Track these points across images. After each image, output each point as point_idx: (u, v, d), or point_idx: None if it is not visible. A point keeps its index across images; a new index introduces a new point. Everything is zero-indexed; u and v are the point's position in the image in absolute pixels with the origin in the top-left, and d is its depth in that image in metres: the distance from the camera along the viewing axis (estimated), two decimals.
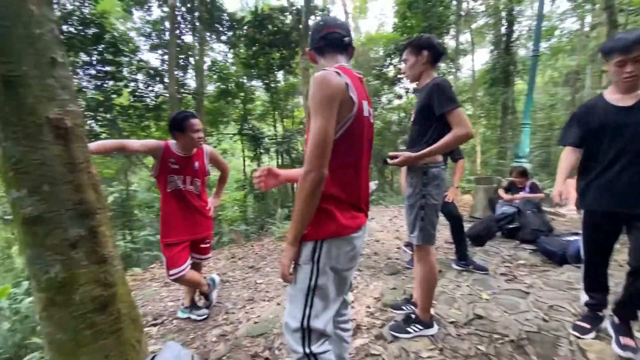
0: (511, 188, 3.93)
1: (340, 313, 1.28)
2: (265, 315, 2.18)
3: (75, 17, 6.34)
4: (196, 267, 2.24)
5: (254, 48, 8.42)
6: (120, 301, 1.32)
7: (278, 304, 2.34)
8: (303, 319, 1.01)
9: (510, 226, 3.60)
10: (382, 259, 3.23)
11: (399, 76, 10.03)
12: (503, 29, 10.71)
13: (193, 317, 2.22)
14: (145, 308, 2.51)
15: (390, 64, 10.14)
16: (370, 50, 11.48)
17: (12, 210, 1.20)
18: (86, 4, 6.50)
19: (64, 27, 6.20)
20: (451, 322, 1.90)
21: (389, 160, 1.59)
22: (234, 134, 10.08)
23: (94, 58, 6.90)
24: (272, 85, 9.48)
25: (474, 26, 12.42)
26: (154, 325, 2.22)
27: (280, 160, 9.78)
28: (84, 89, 7.01)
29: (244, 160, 10.44)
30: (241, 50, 9.01)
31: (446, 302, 2.15)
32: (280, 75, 10.07)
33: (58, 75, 1.22)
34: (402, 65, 1.84)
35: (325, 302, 1.04)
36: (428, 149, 1.54)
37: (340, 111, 0.96)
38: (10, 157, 1.14)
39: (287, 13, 8.32)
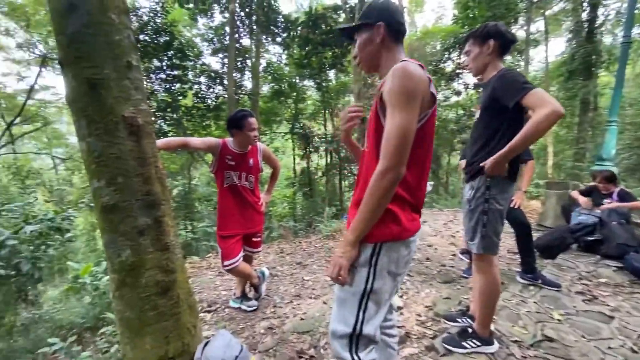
0: (592, 194, 3.42)
1: (386, 318, 1.21)
2: (312, 313, 2.19)
3: (149, 27, 7.05)
4: (248, 259, 2.33)
5: (307, 48, 8.55)
6: (179, 287, 1.42)
7: (324, 303, 2.33)
8: (356, 323, 0.96)
9: (590, 238, 3.13)
10: (434, 265, 3.05)
11: (457, 71, 9.41)
12: (584, 15, 9.41)
13: (243, 307, 2.31)
14: (201, 295, 2.69)
15: (448, 58, 9.57)
16: (427, 45, 10.95)
17: (93, 199, 1.35)
18: (159, 15, 7.19)
19: (140, 37, 6.93)
20: (515, 342, 1.71)
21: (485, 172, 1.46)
22: (286, 133, 10.38)
23: (164, 63, 7.61)
24: (324, 84, 9.55)
25: (548, 13, 11.13)
26: (208, 311, 2.36)
27: (329, 159, 9.84)
28: (155, 92, 7.77)
29: (294, 159, 10.69)
30: (294, 51, 9.22)
31: (509, 319, 1.94)
32: (331, 74, 10.10)
33: (133, 77, 1.33)
34: (464, 58, 1.68)
35: (378, 306, 0.98)
36: (509, 145, 1.35)
37: (420, 106, 0.89)
38: (93, 151, 1.27)
39: (341, 11, 8.30)
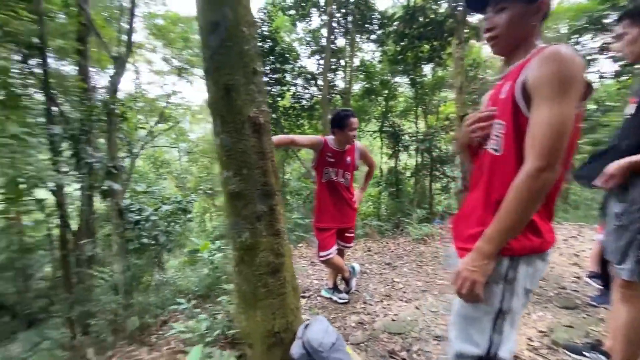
0: None
1: None
2: (403, 316, 2.14)
3: (257, 35, 7.86)
4: (340, 253, 2.42)
5: (402, 43, 8.28)
6: (286, 270, 1.56)
7: (417, 308, 2.25)
8: (490, 346, 0.86)
9: None
10: (551, 286, 2.62)
11: (587, 58, 7.78)
12: None
13: (334, 298, 2.40)
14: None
15: (577, 43, 7.99)
16: (548, 29, 9.35)
17: (222, 187, 1.58)
18: (265, 23, 7.95)
19: None
20: None
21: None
22: (374, 131, 10.27)
23: (267, 67, 8.38)
24: (418, 79, 9.11)
25: None
26: (303, 297, 2.53)
27: (420, 159, 9.36)
28: None
29: (381, 157, 10.51)
30: (389, 47, 9.04)
31: None
32: (427, 69, 9.56)
33: (257, 81, 1.51)
34: (615, 43, 1.38)
35: (512, 327, 0.87)
36: None
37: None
38: (224, 146, 1.49)
39: (442, 1, 7.76)
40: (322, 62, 8.85)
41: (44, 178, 3.66)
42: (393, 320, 2.10)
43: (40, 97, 3.88)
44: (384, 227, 6.61)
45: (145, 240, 4.45)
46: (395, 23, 8.27)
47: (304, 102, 9.25)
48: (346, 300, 2.37)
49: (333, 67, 9.49)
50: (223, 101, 1.45)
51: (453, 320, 0.96)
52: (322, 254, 2.20)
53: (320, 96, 8.66)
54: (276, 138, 2.03)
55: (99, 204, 4.87)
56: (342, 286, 2.55)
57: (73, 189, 4.53)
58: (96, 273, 4.02)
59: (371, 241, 4.71)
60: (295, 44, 10.14)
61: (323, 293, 2.51)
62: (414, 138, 8.95)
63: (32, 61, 3.75)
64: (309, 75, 8.98)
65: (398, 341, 1.86)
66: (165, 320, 4.14)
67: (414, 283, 2.75)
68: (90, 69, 4.82)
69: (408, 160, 10.31)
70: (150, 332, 3.87)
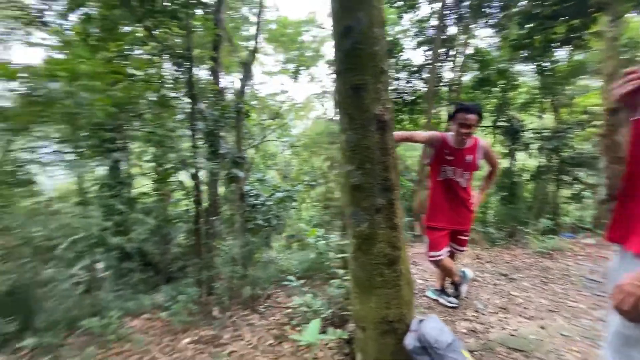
0: None
1: None
2: (525, 333, 1.93)
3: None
4: (451, 256, 2.31)
5: (528, 25, 7.16)
6: (402, 263, 1.60)
7: (542, 328, 1.99)
8: None
9: None
10: None
11: None
12: None
13: (442, 301, 2.32)
14: None
15: None
16: None
17: (343, 179, 1.71)
18: None
19: None
20: None
21: None
22: (487, 126, 9.20)
23: None
24: (547, 66, 7.75)
25: None
26: None
27: (544, 160, 7.98)
28: None
29: None
30: (510, 31, 7.92)
31: None
32: (560, 53, 8.03)
33: (384, 80, 1.57)
34: None
35: None
36: None
37: None
38: (349, 142, 1.60)
39: None
40: (429, 53, 8.39)
41: (187, 164, 4.54)
42: (512, 335, 1.91)
43: (184, 98, 4.77)
44: (495, 234, 5.93)
45: (259, 222, 5.10)
46: (521, 3, 7.20)
47: (406, 97, 8.95)
48: (455, 305, 2.26)
49: (442, 57, 8.89)
50: (351, 100, 1.56)
51: (610, 340, 0.87)
52: (432, 254, 2.14)
53: (424, 89, 8.24)
54: (396, 134, 2.06)
55: (222, 188, 5.78)
56: (450, 290, 2.44)
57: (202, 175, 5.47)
58: (219, 245, 4.81)
59: (479, 248, 4.30)
60: (399, 36, 9.84)
61: (429, 294, 2.46)
62: (538, 135, 7.68)
63: (177, 67, 4.60)
64: (413, 68, 8.63)
65: (519, 358, 1.69)
66: (270, 294, 4.70)
67: (538, 300, 2.42)
68: (220, 73, 5.71)
69: (527, 160, 8.92)
70: (259, 302, 4.47)
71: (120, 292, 4.96)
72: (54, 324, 3.93)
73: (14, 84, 2.54)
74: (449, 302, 2.27)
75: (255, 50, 5.26)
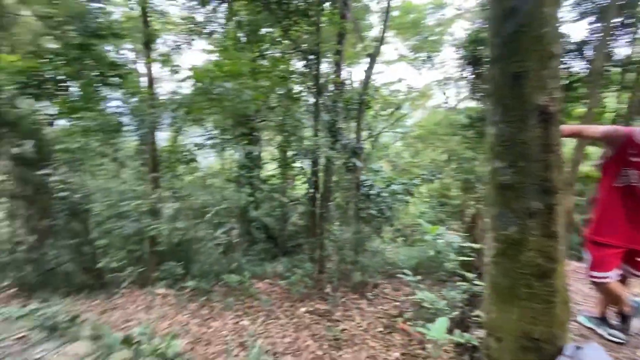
0: None
1: None
2: None
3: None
4: (622, 281, 1.86)
5: None
6: (557, 277, 1.40)
7: None
8: None
9: None
10: None
11: None
12: None
13: (601, 332, 1.91)
14: None
15: None
16: None
17: (490, 176, 1.57)
18: None
19: None
20: None
21: None
22: None
23: None
24: None
25: None
26: None
27: None
28: None
29: None
30: None
31: None
32: None
33: (552, 66, 1.36)
34: None
35: None
36: None
37: None
38: (501, 135, 1.46)
39: None
40: (594, 26, 6.67)
41: (310, 152, 4.92)
42: None
43: (309, 91, 5.11)
44: None
45: (372, 212, 5.20)
46: None
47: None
48: (622, 341, 1.83)
49: (614, 27, 6.93)
50: (509, 89, 1.41)
51: None
52: (596, 274, 1.76)
53: (585, 71, 6.63)
54: (563, 128, 1.74)
55: (336, 176, 6.07)
56: (613, 321, 1.98)
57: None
58: (331, 229, 5.12)
59: None
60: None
61: (582, 320, 2.05)
62: None
63: (306, 62, 4.93)
64: (572, 46, 7.03)
65: None
66: (377, 283, 4.77)
67: None
68: (342, 65, 5.90)
69: None
70: (367, 289, 4.59)
71: (249, 257, 5.93)
72: (206, 273, 4.99)
73: (197, 84, 3.31)
74: (612, 335, 1.84)
75: (381, 41, 5.25)
